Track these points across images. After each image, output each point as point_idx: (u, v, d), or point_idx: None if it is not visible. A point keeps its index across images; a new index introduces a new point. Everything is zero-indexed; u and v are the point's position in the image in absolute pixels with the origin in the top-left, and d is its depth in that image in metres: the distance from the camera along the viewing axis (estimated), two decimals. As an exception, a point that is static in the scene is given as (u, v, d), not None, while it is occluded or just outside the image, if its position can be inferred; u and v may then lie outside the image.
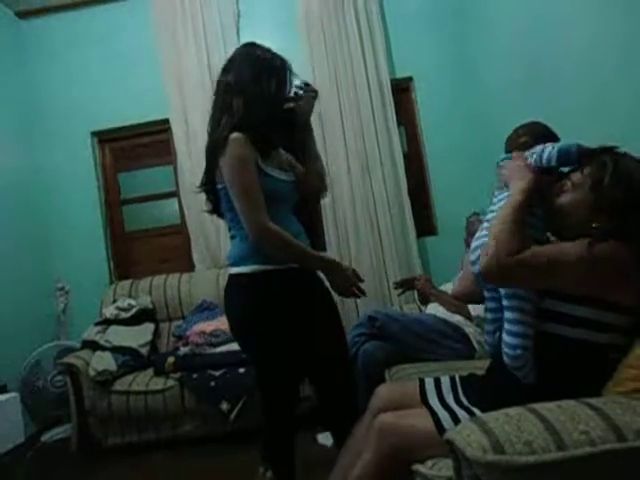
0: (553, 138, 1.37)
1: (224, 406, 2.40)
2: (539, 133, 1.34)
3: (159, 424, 2.48)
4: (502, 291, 1.19)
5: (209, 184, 1.46)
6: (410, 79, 3.27)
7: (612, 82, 1.62)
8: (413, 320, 2.14)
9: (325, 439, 2.24)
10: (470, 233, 2.37)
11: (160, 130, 3.39)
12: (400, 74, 3.24)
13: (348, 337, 2.18)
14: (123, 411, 2.46)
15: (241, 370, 2.44)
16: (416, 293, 2.55)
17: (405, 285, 2.34)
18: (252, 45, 1.49)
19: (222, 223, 3.10)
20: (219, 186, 1.43)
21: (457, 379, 1.33)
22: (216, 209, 1.52)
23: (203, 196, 1.53)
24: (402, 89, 3.29)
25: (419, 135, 3.28)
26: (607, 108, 1.66)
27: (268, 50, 1.47)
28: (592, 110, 1.74)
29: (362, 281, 1.49)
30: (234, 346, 2.53)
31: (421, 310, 2.48)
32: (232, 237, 1.47)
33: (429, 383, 1.33)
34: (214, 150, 1.40)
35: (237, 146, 1.34)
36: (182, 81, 3.21)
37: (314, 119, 3.36)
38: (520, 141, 1.36)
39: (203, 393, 2.43)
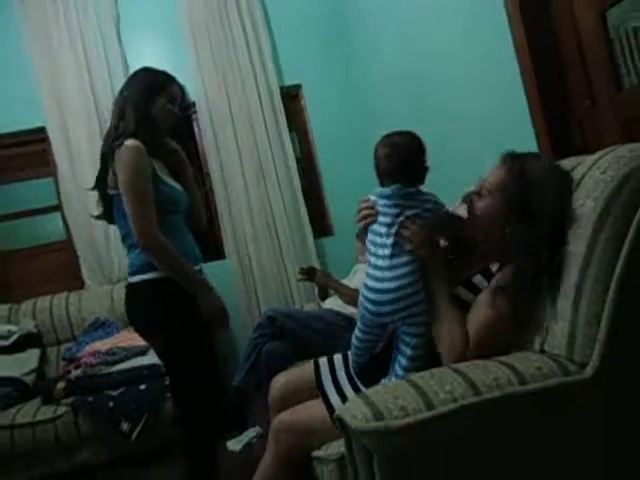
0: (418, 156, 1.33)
1: (125, 427, 2.28)
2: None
3: (51, 456, 2.28)
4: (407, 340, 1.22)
5: (101, 187, 1.50)
6: (299, 86, 3.37)
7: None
8: (312, 316, 2.22)
9: (234, 445, 2.23)
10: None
11: (35, 140, 3.11)
12: (289, 81, 3.32)
13: (249, 338, 2.22)
14: (6, 449, 2.22)
15: (142, 387, 2.34)
16: (316, 290, 2.65)
17: (307, 273, 2.45)
18: (147, 68, 1.58)
19: (113, 235, 2.95)
20: (112, 192, 1.45)
21: (349, 353, 1.42)
22: (106, 214, 1.55)
23: (90, 208, 1.59)
24: (292, 96, 3.38)
25: (311, 140, 3.40)
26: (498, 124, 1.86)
27: (163, 72, 1.56)
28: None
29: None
30: (134, 362, 2.43)
31: (320, 306, 2.57)
32: (130, 246, 1.48)
33: (323, 364, 1.41)
34: (109, 155, 1.44)
35: (133, 153, 1.39)
36: (59, 87, 3.00)
37: (206, 127, 3.31)
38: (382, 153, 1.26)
39: (100, 416, 2.28)
